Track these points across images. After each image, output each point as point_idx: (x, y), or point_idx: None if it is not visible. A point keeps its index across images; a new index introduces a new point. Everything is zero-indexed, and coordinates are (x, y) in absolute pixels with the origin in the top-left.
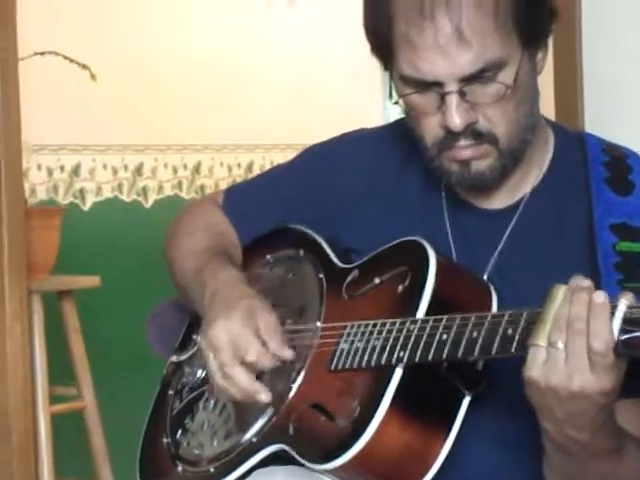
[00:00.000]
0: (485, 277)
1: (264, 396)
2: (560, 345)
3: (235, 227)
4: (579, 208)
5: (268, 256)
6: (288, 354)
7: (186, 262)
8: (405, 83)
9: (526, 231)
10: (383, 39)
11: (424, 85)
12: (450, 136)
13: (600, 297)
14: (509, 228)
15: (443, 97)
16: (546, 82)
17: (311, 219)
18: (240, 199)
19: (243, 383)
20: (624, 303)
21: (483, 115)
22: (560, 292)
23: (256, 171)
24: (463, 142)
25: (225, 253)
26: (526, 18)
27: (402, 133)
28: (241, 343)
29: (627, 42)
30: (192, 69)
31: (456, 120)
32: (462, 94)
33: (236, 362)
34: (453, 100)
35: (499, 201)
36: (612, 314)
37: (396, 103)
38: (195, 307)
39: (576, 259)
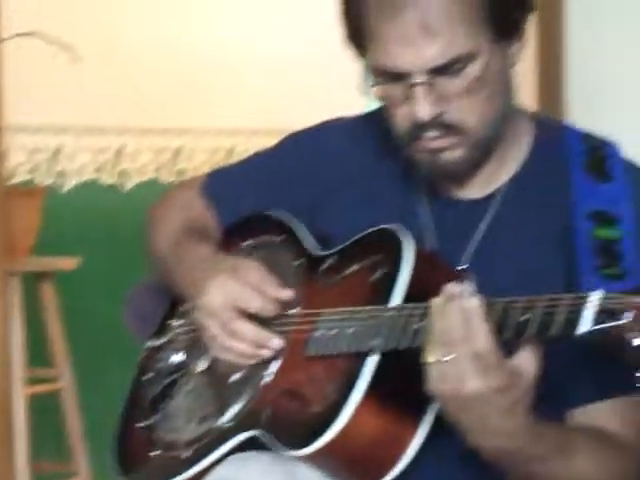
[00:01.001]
0: (463, 267)
1: (276, 341)
2: (446, 357)
3: (215, 212)
4: (557, 197)
5: (246, 242)
6: (287, 294)
7: (163, 248)
8: (376, 73)
9: (504, 220)
10: (356, 30)
11: (394, 76)
12: (418, 127)
13: (473, 301)
14: (487, 217)
15: (412, 88)
16: (529, 72)
17: (290, 206)
18: (221, 184)
19: (252, 333)
20: (599, 293)
21: (452, 106)
22: (436, 305)
23: (237, 156)
24: (431, 133)
25: (202, 235)
26: (498, 11)
27: (382, 121)
28: (238, 297)
29: (613, 33)
30: (175, 53)
31: (422, 111)
32: (430, 85)
33: (238, 316)
34: (420, 91)
35: (476, 190)
36: (586, 303)
37: (366, 93)
38: (175, 289)
39: (553, 247)
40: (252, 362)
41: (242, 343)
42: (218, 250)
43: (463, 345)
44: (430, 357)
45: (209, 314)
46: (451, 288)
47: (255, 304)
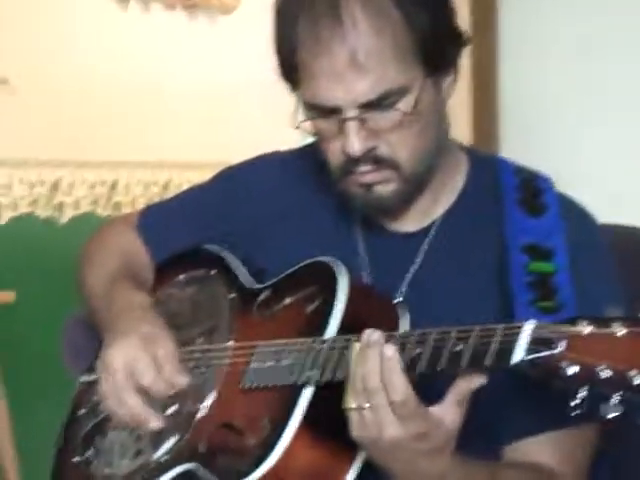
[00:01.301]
0: (399, 299)
1: (154, 424)
2: (365, 404)
3: (149, 247)
4: (492, 230)
5: (180, 276)
6: (182, 381)
7: (95, 285)
8: (308, 108)
9: (439, 253)
10: (288, 64)
11: (325, 111)
12: (350, 161)
13: (389, 350)
14: (422, 250)
15: (343, 123)
16: (463, 104)
17: (225, 240)
18: (155, 220)
19: (135, 408)
20: (532, 322)
21: (384, 141)
22: (354, 352)
23: (173, 189)
24: (363, 167)
25: (134, 277)
26: (430, 45)
27: (317, 155)
28: (137, 367)
29: (547, 66)
30: (111, 86)
31: (354, 146)
32: (362, 120)
33: (130, 386)
34: (352, 126)
35: (411, 224)
36: (519, 333)
37: (297, 127)
38: (101, 330)
39: (488, 280)
40: (135, 429)
41: (124, 412)
42: (154, 288)
43: (381, 393)
44: (350, 403)
45: (106, 370)
46: (370, 334)
47: (148, 380)
